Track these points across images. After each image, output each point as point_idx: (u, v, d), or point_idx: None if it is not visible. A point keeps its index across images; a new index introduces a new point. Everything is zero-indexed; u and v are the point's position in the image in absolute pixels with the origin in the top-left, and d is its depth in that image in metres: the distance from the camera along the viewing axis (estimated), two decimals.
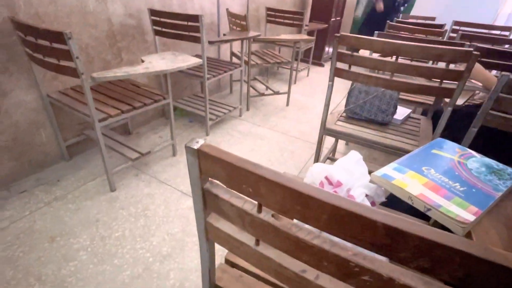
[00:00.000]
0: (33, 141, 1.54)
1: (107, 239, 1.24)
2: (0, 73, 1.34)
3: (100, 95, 1.52)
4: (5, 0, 1.29)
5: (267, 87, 2.85)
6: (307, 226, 0.35)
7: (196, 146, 0.37)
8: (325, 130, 1.33)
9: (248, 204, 0.40)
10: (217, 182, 0.42)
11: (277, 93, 2.73)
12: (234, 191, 0.41)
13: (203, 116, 2.08)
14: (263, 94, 2.74)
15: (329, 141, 2.03)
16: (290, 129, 2.32)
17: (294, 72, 3.31)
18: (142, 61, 1.50)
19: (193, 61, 1.53)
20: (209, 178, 0.42)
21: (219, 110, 2.29)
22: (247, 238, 0.45)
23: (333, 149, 1.80)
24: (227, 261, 0.68)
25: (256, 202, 0.39)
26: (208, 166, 0.39)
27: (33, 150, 1.56)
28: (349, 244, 0.32)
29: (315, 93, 3.13)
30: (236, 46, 2.76)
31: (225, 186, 0.41)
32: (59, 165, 1.67)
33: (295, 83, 3.37)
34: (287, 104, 2.74)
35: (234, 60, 2.72)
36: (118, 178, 1.59)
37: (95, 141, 1.72)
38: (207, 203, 0.45)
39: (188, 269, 1.14)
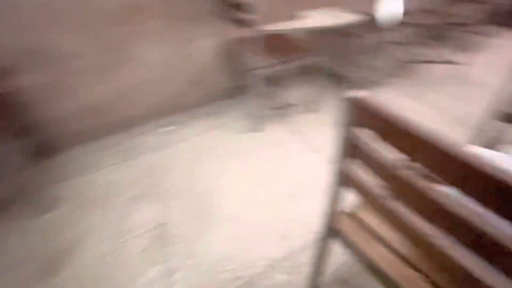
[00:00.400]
0: (211, 79, 1.97)
1: (251, 169, 1.52)
2: (201, 23, 1.72)
3: (264, 45, 1.73)
4: None
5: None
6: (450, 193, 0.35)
7: (357, 95, 0.41)
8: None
9: (396, 160, 0.42)
10: (368, 132, 0.46)
11: (450, 62, 2.26)
12: (385, 144, 0.43)
13: (352, 78, 2.02)
14: (429, 62, 2.33)
15: None
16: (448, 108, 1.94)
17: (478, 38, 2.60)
18: (307, 16, 1.56)
19: (354, 17, 1.46)
20: (360, 127, 0.46)
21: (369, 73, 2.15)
22: (384, 192, 0.48)
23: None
24: (351, 214, 0.73)
25: (404, 159, 0.41)
26: (363, 116, 0.43)
27: (208, 86, 1.99)
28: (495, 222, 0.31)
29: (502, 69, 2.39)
30: None
31: (375, 138, 0.44)
32: (224, 102, 2.08)
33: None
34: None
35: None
36: (265, 121, 1.83)
37: (253, 87, 2.02)
38: (351, 150, 0.50)
39: (311, 210, 1.28)
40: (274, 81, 2.24)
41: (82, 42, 1.47)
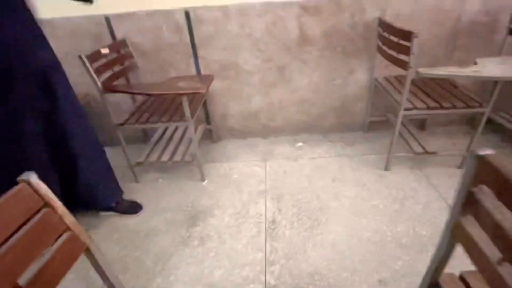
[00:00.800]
0: (351, 109, 2.07)
1: (366, 203, 1.53)
2: (355, 58, 1.87)
3: (414, 87, 1.69)
4: (380, 5, 1.71)
5: None
6: None
7: (481, 153, 0.45)
8: None
9: None
10: (488, 190, 0.47)
11: None
12: (505, 206, 0.45)
13: None
14: None
15: None
16: None
17: None
18: (475, 63, 1.43)
19: None
20: (481, 184, 0.48)
21: None
22: (495, 255, 0.48)
23: None
24: (460, 277, 0.69)
25: None
26: (487, 174, 0.46)
27: (348, 115, 2.09)
28: None
29: None
30: None
31: (495, 197, 0.46)
32: (357, 133, 2.13)
33: None
34: None
35: None
36: (394, 162, 1.77)
37: (391, 125, 1.97)
38: (467, 205, 0.52)
39: (417, 265, 1.18)
40: (418, 124, 2.10)
41: (258, 63, 1.90)
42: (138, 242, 1.40)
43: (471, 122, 2.08)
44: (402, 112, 1.51)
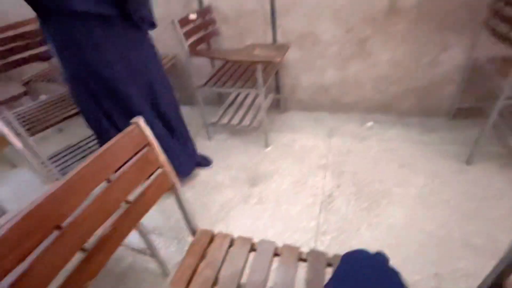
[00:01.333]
0: (437, 91, 1.85)
1: (435, 195, 1.42)
2: (453, 32, 1.63)
3: None
4: None
5: None
6: None
7: None
8: None
9: None
10: None
11: None
12: None
13: None
14: None
15: None
16: None
17: None
18: None
19: None
20: None
21: None
22: None
23: None
24: None
25: None
26: None
27: (432, 99, 1.88)
28: None
29: None
30: None
31: None
32: (440, 119, 1.91)
33: None
34: None
35: None
36: (480, 157, 1.56)
37: (483, 115, 1.72)
38: None
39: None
40: None
41: (337, 34, 1.81)
42: (207, 191, 1.60)
43: None
44: (502, 101, 1.30)
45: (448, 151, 1.66)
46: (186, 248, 1.31)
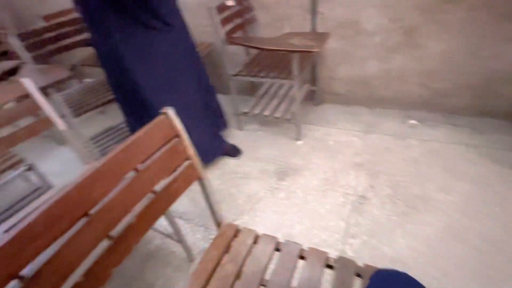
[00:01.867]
0: (496, 89, 1.64)
1: (484, 205, 1.28)
2: (506, 21, 1.42)
3: None
4: None
5: None
6: None
7: None
8: None
9: None
10: None
11: None
12: None
13: None
14: None
15: None
16: None
17: None
18: None
19: None
20: None
21: None
22: None
23: None
24: None
25: None
26: None
27: (488, 97, 1.68)
28: None
29: None
30: None
31: None
32: (496, 121, 1.71)
33: None
34: None
35: None
36: None
37: None
38: None
39: None
40: None
41: (382, 22, 1.67)
42: (235, 181, 1.60)
43: None
44: None
45: (503, 157, 1.48)
46: (212, 237, 1.34)
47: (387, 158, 1.60)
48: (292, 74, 1.51)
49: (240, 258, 0.75)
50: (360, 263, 0.71)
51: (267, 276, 0.71)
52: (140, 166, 0.60)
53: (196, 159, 0.70)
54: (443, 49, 1.63)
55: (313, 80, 2.04)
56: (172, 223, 1.05)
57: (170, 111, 0.63)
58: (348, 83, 1.98)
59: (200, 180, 0.74)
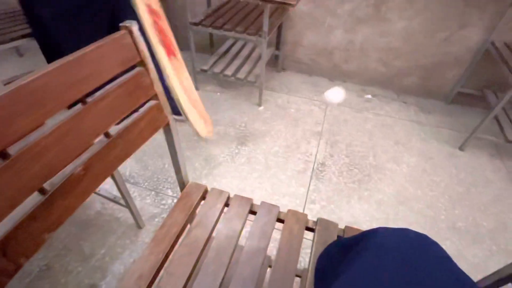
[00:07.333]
0: (441, 73, 1.77)
1: (427, 176, 1.40)
2: (477, 9, 1.51)
3: None
4: None
5: None
6: None
7: None
8: None
9: None
10: None
11: None
12: None
13: None
14: None
15: None
16: None
17: None
18: None
19: None
20: None
21: None
22: None
23: None
24: None
25: None
26: None
27: (436, 79, 1.81)
28: None
29: None
30: None
31: None
32: (438, 102, 1.86)
33: None
34: None
35: None
36: (473, 144, 1.55)
37: (484, 102, 1.69)
38: None
39: (464, 250, 1.10)
40: None
41: None
42: (190, 144, 1.45)
43: None
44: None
45: (443, 135, 1.63)
46: (165, 202, 1.20)
47: (345, 128, 1.63)
48: (262, 30, 1.38)
49: (211, 221, 0.65)
50: (342, 226, 0.68)
51: (242, 241, 0.63)
52: (88, 98, 0.44)
53: (164, 99, 0.55)
54: (406, 26, 1.67)
55: (278, 44, 1.93)
56: (119, 183, 0.88)
57: (134, 27, 0.46)
58: (313, 52, 1.93)
59: (168, 126, 0.59)
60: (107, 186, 1.04)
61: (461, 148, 1.54)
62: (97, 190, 0.99)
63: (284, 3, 1.23)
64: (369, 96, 1.88)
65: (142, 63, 0.49)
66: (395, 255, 0.36)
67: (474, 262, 1.09)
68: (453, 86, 1.79)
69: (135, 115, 0.51)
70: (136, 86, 0.50)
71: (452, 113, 1.79)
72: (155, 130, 0.55)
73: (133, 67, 0.49)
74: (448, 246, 1.13)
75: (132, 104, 0.50)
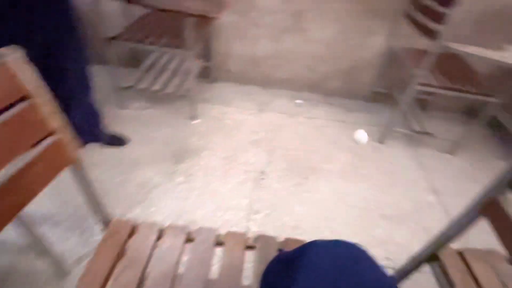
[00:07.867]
0: (359, 75, 1.97)
1: (356, 170, 1.52)
2: (378, 18, 1.72)
3: (434, 63, 1.60)
4: None
5: None
6: None
7: None
8: None
9: None
10: None
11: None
12: None
13: None
14: None
15: None
16: None
17: None
18: (501, 48, 1.36)
19: None
20: None
21: None
22: None
23: None
24: (459, 253, 0.69)
25: None
26: None
27: (355, 82, 2.00)
28: None
29: None
30: None
31: None
32: (359, 102, 2.06)
33: None
34: None
35: None
36: (390, 137, 1.74)
37: (393, 100, 1.92)
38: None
39: (393, 234, 1.22)
40: (423, 104, 2.06)
41: (278, 3, 1.69)
42: (121, 168, 1.32)
43: (470, 112, 2.07)
44: (415, 87, 1.44)
45: (366, 131, 1.80)
46: (94, 239, 1.06)
47: (280, 134, 1.68)
48: (186, 42, 1.34)
49: (142, 259, 0.59)
50: (281, 238, 0.68)
51: (181, 272, 0.59)
52: None
53: (67, 135, 0.48)
54: (323, 35, 1.81)
55: (208, 56, 1.91)
56: (30, 230, 0.75)
57: (16, 54, 0.39)
58: (242, 62, 1.96)
59: (75, 164, 0.51)
60: (16, 234, 0.87)
61: (380, 141, 1.72)
62: None
63: (205, 17, 1.22)
64: (300, 101, 1.99)
65: (25, 96, 0.41)
66: (326, 277, 0.37)
67: (401, 243, 1.21)
68: (369, 87, 2.01)
69: (27, 157, 0.43)
70: (24, 122, 0.42)
71: (371, 111, 1.99)
72: (57, 170, 0.47)
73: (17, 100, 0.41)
74: (381, 233, 1.24)
75: (21, 144, 0.42)
